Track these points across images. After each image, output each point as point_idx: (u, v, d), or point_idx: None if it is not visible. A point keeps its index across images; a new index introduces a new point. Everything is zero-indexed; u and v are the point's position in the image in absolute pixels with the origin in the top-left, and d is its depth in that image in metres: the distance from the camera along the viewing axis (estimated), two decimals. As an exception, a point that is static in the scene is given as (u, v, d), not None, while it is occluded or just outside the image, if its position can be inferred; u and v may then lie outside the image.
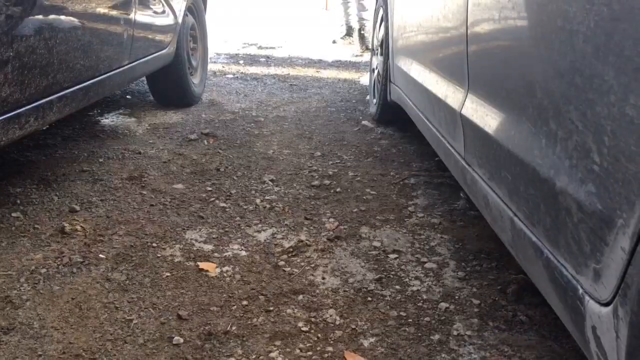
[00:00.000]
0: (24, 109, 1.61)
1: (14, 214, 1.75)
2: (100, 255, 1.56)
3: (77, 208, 1.83)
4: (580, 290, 0.83)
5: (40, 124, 1.75)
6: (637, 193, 0.69)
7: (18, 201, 1.85)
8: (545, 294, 1.01)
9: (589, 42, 0.82)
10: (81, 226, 1.70)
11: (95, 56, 2.04)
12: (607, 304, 0.76)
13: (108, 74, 2.19)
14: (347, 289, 1.47)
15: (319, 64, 4.97)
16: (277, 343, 1.24)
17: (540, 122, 0.98)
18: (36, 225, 1.70)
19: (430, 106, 1.88)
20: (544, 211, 0.96)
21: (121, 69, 2.32)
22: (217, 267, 1.55)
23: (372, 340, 1.27)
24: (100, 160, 2.29)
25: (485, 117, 1.28)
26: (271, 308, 1.37)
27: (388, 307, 1.40)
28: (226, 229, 1.78)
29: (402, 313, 1.37)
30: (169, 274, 1.50)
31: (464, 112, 1.43)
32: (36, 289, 1.39)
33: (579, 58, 0.85)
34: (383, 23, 2.98)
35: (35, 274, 1.45)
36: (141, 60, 2.54)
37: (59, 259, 1.53)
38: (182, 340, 1.23)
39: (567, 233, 0.88)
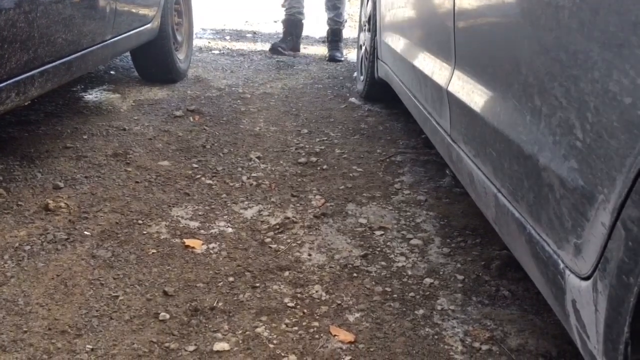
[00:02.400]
0: (4, 83, 1.58)
1: (-4, 191, 1.73)
2: (85, 232, 1.55)
3: (61, 185, 1.81)
4: (561, 265, 0.84)
5: (21, 100, 1.72)
6: (618, 169, 0.70)
7: (0, 178, 1.83)
8: (527, 269, 1.02)
9: (574, 18, 0.82)
10: (65, 203, 1.69)
11: (77, 30, 2.00)
12: (587, 278, 0.77)
13: (91, 49, 2.15)
14: (333, 265, 1.48)
15: (307, 40, 4.92)
16: (263, 318, 1.25)
17: (525, 99, 0.98)
18: (19, 202, 1.68)
19: (417, 83, 1.88)
20: (527, 187, 0.97)
21: (104, 44, 2.28)
22: (203, 244, 1.55)
23: (357, 315, 1.28)
24: (84, 136, 2.26)
25: (472, 94, 1.28)
26: (257, 284, 1.38)
27: (373, 282, 1.41)
28: (212, 206, 1.77)
29: (387, 289, 1.39)
30: (154, 251, 1.49)
31: (450, 89, 1.43)
32: (20, 266, 1.38)
33: (564, 34, 0.85)
34: (371, -1, 2.95)
35: (19, 251, 1.44)
36: (124, 35, 2.49)
37: (43, 236, 1.52)
38: (168, 316, 1.24)
39: (549, 209, 0.88)
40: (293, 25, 4.10)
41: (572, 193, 0.81)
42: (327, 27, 4.20)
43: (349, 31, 5.47)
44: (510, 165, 1.04)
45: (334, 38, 4.18)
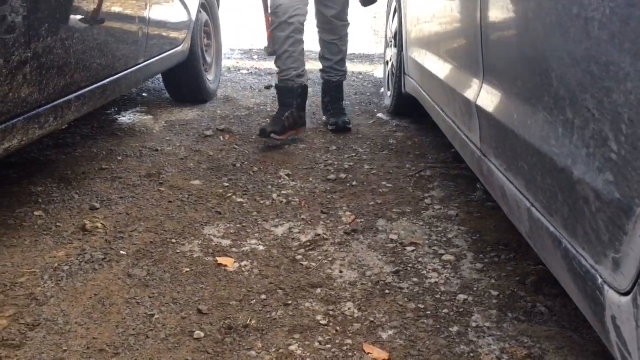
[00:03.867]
0: (43, 108, 1.64)
1: (36, 213, 1.79)
2: (121, 252, 1.59)
3: (97, 205, 1.86)
4: (599, 280, 0.82)
5: (59, 123, 1.78)
6: (656, 181, 0.69)
7: (40, 200, 1.88)
8: (564, 284, 1.00)
9: (604, 29, 0.81)
10: (101, 223, 1.73)
11: (111, 55, 2.06)
12: (626, 293, 0.75)
13: (124, 72, 2.21)
14: (364, 282, 1.48)
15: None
16: (296, 336, 1.25)
17: (557, 111, 0.97)
18: (58, 223, 1.73)
19: (445, 97, 1.87)
20: (561, 201, 0.95)
21: (137, 67, 2.34)
22: (235, 261, 1.56)
23: (390, 332, 1.27)
24: (119, 158, 2.31)
25: (501, 107, 1.28)
26: (289, 301, 1.38)
27: (406, 299, 1.40)
28: (243, 224, 1.79)
29: (420, 305, 1.38)
30: (188, 269, 1.51)
31: (479, 102, 1.43)
32: (59, 286, 1.42)
33: (594, 45, 0.84)
34: (396, 14, 2.96)
35: (58, 271, 1.48)
36: (156, 58, 2.56)
37: (81, 256, 1.55)
38: (202, 334, 1.25)
39: (585, 222, 0.87)
40: (291, 93, 2.60)
41: (609, 206, 0.80)
42: (322, 80, 2.92)
43: (375, 47, 5.50)
44: (543, 178, 1.03)
45: (337, 94, 2.89)
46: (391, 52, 3.13)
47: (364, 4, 2.85)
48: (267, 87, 2.85)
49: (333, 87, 2.88)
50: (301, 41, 2.59)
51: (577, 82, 0.89)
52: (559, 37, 0.97)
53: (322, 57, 2.88)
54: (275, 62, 2.64)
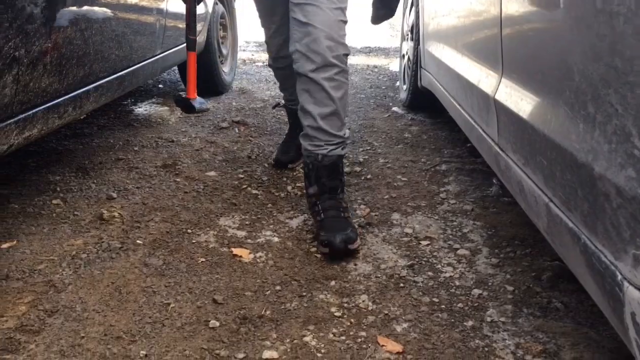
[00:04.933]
0: (62, 98, 1.66)
1: (54, 201, 1.81)
2: (138, 241, 1.60)
3: (114, 195, 1.88)
4: (619, 276, 0.82)
5: (78, 114, 1.80)
6: (680, 177, 0.68)
7: (58, 189, 1.91)
8: (582, 280, 1.00)
9: (629, 24, 0.80)
10: (119, 213, 1.75)
11: (129, 46, 2.07)
12: (647, 290, 0.74)
13: (141, 64, 2.23)
14: (379, 275, 1.48)
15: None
16: (311, 327, 1.26)
17: (578, 106, 0.96)
18: (76, 212, 1.75)
19: (463, 91, 1.86)
20: (581, 197, 0.95)
21: (154, 59, 2.36)
22: (250, 253, 1.57)
23: (405, 325, 1.27)
24: (135, 148, 2.33)
25: (520, 101, 1.27)
26: (304, 293, 1.39)
27: (420, 293, 1.40)
28: (258, 216, 1.80)
29: (434, 299, 1.37)
30: (203, 260, 1.53)
31: (497, 96, 1.41)
32: (77, 274, 1.43)
33: (619, 40, 0.83)
34: (413, 8, 2.94)
35: (76, 259, 1.50)
36: (173, 50, 2.57)
37: (99, 245, 1.57)
38: (218, 324, 1.26)
39: (605, 219, 0.86)
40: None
41: (630, 202, 0.79)
42: (303, 160, 1.75)
43: (391, 40, 5.48)
44: (563, 173, 1.02)
45: (332, 183, 1.67)
46: (407, 46, 3.12)
47: (374, 21, 2.69)
48: (275, 107, 2.42)
49: (328, 169, 1.67)
50: None
51: (600, 76, 0.88)
52: (582, 31, 0.95)
53: (303, 114, 1.69)
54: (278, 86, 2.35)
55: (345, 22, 1.64)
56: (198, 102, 1.99)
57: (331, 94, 1.61)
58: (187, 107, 1.99)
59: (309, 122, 1.65)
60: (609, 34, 0.85)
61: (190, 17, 1.93)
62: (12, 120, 1.43)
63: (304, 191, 1.77)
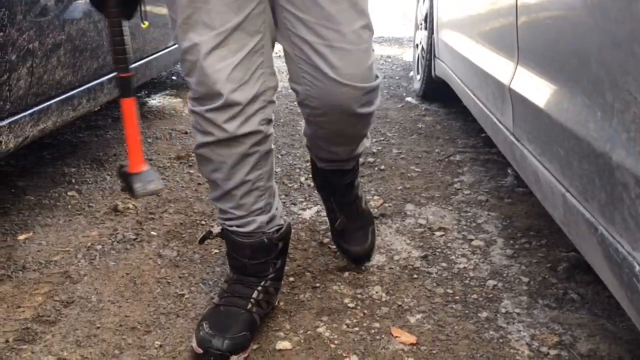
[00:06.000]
0: (77, 90, 1.67)
1: (69, 193, 1.83)
2: (152, 233, 1.61)
3: (129, 187, 1.89)
4: (637, 267, 0.80)
5: (92, 106, 1.81)
6: (702, 166, 0.66)
7: (73, 180, 1.92)
8: (599, 271, 0.98)
9: (650, 9, 0.78)
10: (133, 204, 1.76)
11: (142, 38, 2.08)
12: (666, 282, 0.73)
13: (154, 56, 2.23)
14: (392, 266, 1.47)
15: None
16: (324, 319, 1.26)
17: (596, 95, 0.94)
18: (91, 204, 1.77)
19: (477, 81, 1.84)
20: (599, 186, 0.93)
21: (167, 50, 2.36)
22: (263, 244, 1.57)
23: (418, 316, 1.27)
24: (149, 140, 2.34)
25: (536, 90, 1.25)
26: (317, 284, 1.39)
27: (434, 284, 1.39)
28: (272, 207, 1.79)
29: (448, 290, 1.37)
30: (217, 251, 1.53)
31: (513, 85, 1.39)
32: (93, 265, 1.45)
33: (638, 26, 0.81)
34: (427, -4, 2.91)
35: (92, 250, 1.51)
36: (186, 41, 2.57)
37: (113, 236, 1.58)
38: (231, 315, 1.26)
39: (623, 209, 0.85)
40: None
41: (649, 192, 0.78)
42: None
43: (405, 30, 5.43)
44: (580, 163, 1.01)
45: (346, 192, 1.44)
46: (421, 35, 3.09)
47: None
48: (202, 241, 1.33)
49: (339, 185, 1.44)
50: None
51: (619, 64, 0.86)
52: (599, 18, 0.93)
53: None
54: None
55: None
56: (144, 178, 1.20)
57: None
58: (128, 187, 1.22)
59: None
60: (628, 19, 0.83)
61: (118, 48, 1.15)
62: (27, 113, 1.44)
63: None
